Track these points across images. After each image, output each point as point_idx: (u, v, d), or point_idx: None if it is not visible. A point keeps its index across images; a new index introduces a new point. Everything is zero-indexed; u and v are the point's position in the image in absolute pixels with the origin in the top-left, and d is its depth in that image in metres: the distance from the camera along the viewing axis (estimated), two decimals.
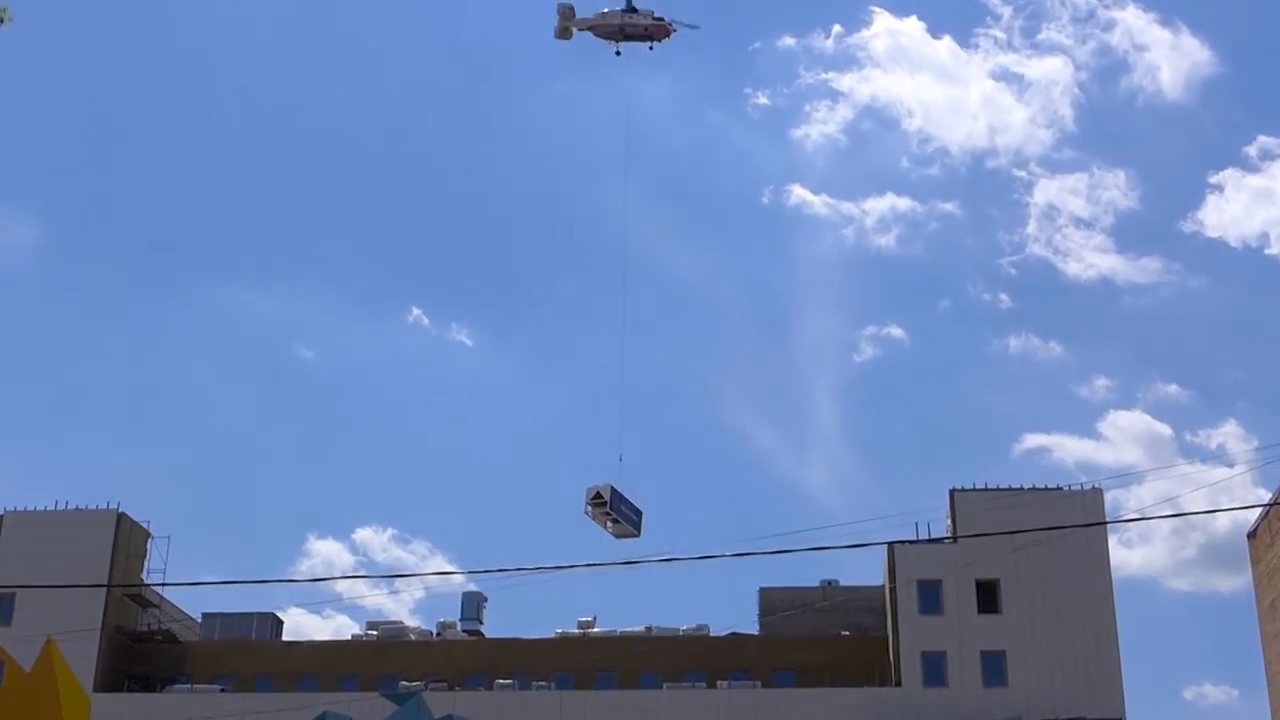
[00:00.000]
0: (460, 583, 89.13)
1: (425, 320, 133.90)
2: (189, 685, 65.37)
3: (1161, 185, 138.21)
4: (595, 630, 67.81)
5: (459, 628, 69.85)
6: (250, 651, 68.22)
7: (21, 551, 64.40)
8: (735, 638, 67.07)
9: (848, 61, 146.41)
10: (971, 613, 62.62)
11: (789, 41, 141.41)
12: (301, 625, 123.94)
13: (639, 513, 52.52)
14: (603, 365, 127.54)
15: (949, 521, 63.69)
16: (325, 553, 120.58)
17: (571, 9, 50.20)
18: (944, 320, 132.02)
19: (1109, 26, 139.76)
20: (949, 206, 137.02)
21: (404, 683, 64.67)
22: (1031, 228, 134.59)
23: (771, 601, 68.66)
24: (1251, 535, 61.68)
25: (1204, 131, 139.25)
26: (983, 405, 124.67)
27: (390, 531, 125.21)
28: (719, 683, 63.36)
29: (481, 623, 70.93)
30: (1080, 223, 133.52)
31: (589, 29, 49.28)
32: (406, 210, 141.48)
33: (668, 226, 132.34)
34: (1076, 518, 60.59)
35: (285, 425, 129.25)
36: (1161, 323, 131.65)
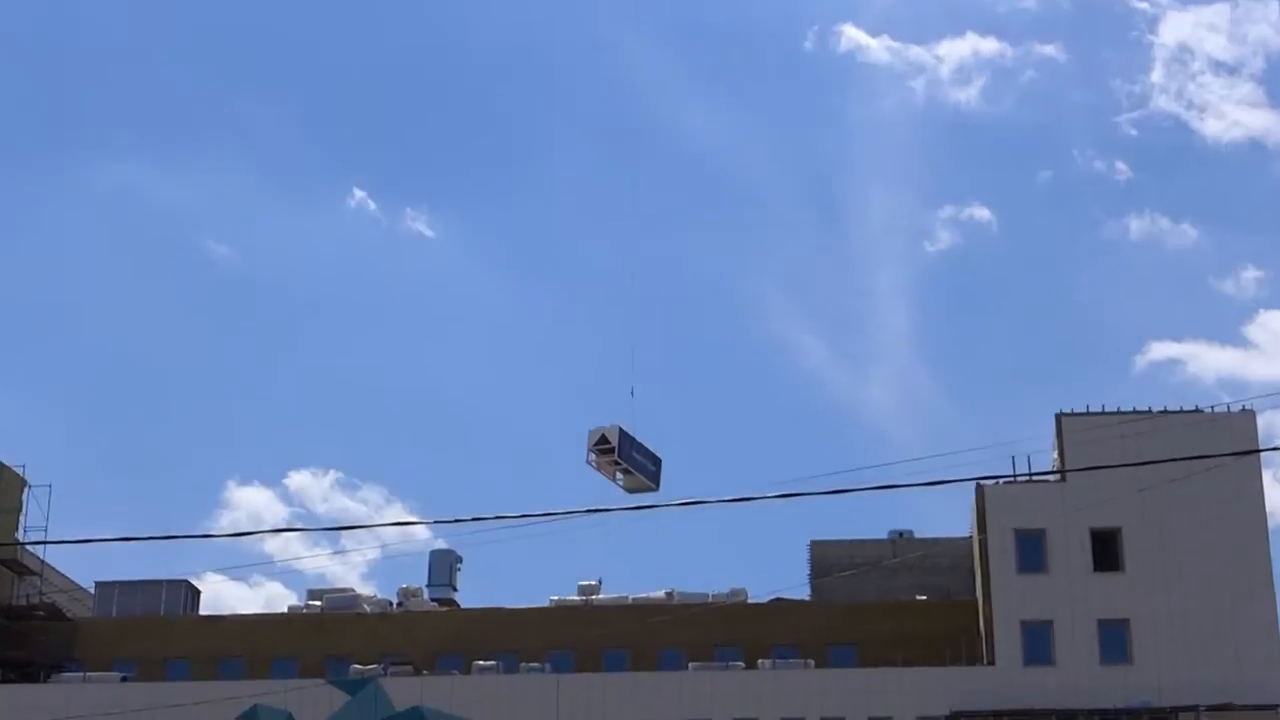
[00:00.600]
0: (426, 539, 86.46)
1: (371, 205, 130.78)
2: (81, 673, 64.74)
3: None
4: (601, 597, 66.99)
5: (426, 596, 69.52)
6: (159, 630, 67.39)
7: None
8: (780, 605, 66.43)
9: None
10: (1085, 570, 61.58)
11: None
12: (223, 596, 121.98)
13: (657, 460, 51.10)
14: (605, 264, 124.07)
15: (1055, 455, 62.48)
16: (250, 504, 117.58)
17: None
18: (1043, 197, 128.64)
19: None
20: (1049, 49, 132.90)
21: (357, 666, 63.82)
22: (1157, 75, 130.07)
23: (826, 559, 68.78)
24: None
25: None
26: (1095, 306, 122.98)
27: (333, 475, 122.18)
28: (760, 662, 62.70)
29: (455, 589, 70.90)
30: (1221, 68, 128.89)
31: None
32: (345, 66, 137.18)
33: (685, 80, 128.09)
34: (1221, 447, 59.11)
35: (195, 343, 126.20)
36: None
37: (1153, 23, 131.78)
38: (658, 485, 51.75)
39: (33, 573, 67.37)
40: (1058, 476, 62.11)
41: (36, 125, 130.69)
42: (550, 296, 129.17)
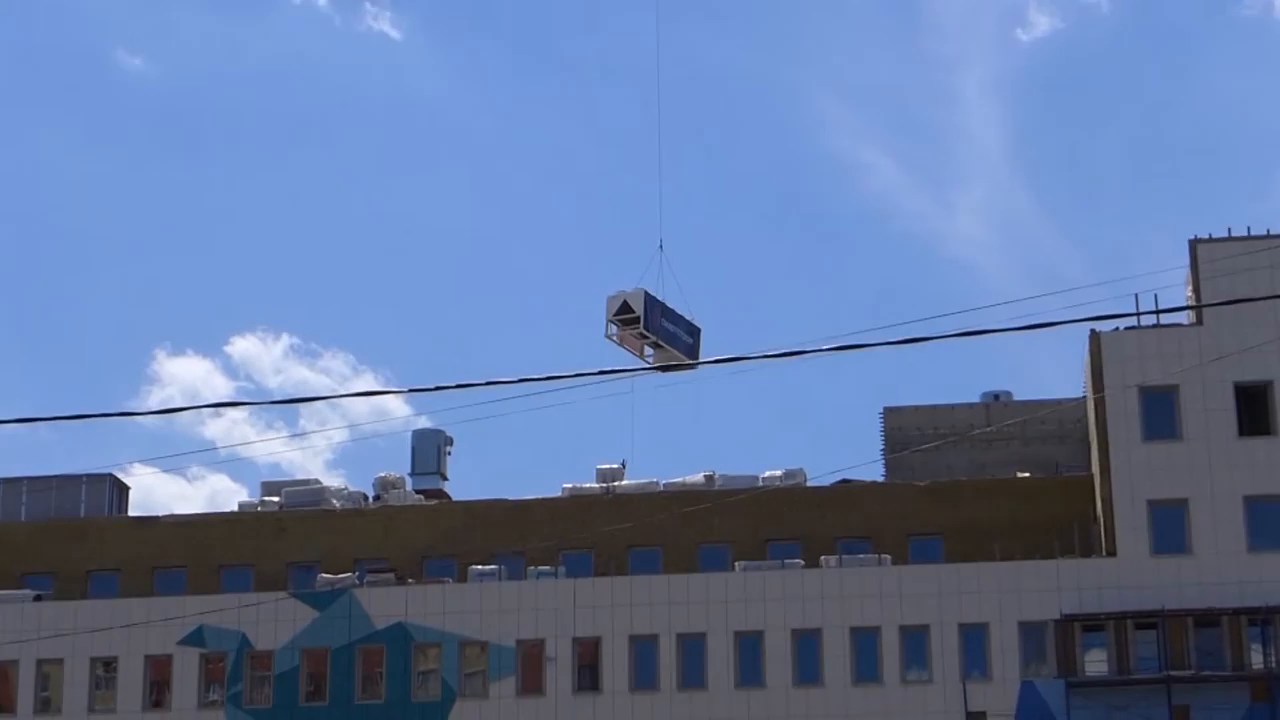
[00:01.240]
0: (406, 416, 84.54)
1: (320, 0, 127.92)
2: None
3: None
4: (626, 484, 67.40)
5: (409, 487, 70.09)
6: (79, 535, 67.92)
7: None
8: (847, 489, 66.63)
9: None
10: (1229, 435, 61.58)
11: None
12: (155, 493, 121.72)
13: (694, 330, 51.39)
14: (619, 67, 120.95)
15: (1189, 291, 62.75)
16: (185, 377, 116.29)
17: None
18: None
19: None
20: None
21: (325, 575, 64.63)
22: None
23: (903, 428, 69.26)
24: None
25: None
26: (1234, 105, 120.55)
27: (286, 340, 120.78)
28: (823, 558, 62.98)
29: (444, 478, 72.02)
30: None
31: None
32: None
33: None
34: None
35: (110, 180, 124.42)
36: None
37: None
38: (696, 361, 51.61)
39: None
40: (1193, 318, 61.95)
41: None
42: (550, 111, 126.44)
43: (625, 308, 48.57)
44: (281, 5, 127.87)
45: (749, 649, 61.12)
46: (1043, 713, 59.20)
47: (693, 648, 61.18)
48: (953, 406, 69.87)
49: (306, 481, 69.94)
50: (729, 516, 64.72)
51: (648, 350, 52.68)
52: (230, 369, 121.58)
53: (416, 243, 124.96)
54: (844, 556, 62.73)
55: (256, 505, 68.55)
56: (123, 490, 70.79)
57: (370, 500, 68.86)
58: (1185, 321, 62.25)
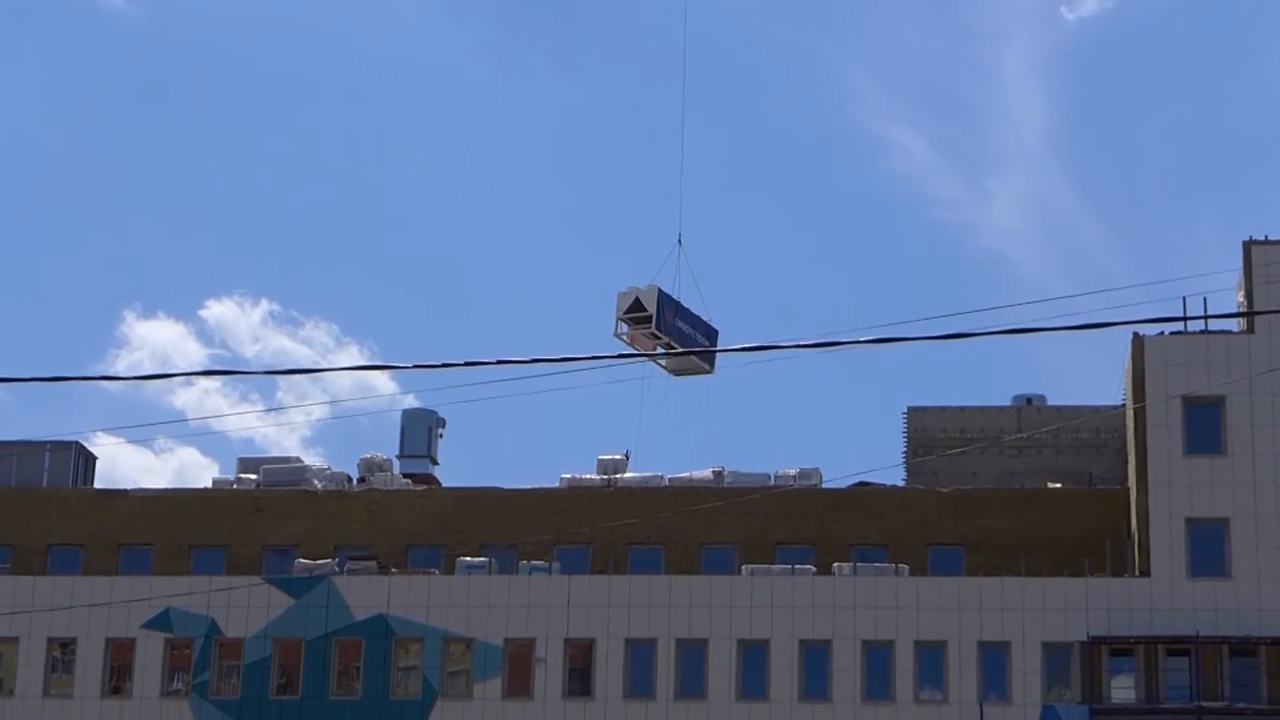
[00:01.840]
0: (392, 393, 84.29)
1: None
2: None
3: None
4: (629, 476, 67.68)
5: (396, 470, 70.55)
6: (40, 506, 68.30)
7: None
8: (864, 492, 66.83)
9: None
10: (1277, 452, 61.69)
11: None
12: (119, 464, 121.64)
13: (711, 332, 51.94)
14: (637, 29, 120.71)
15: (1240, 296, 62.78)
16: (155, 342, 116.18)
17: None
18: None
19: None
20: None
21: (303, 561, 64.74)
22: None
23: (927, 430, 69.51)
24: None
25: None
26: None
27: (266, 306, 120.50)
28: (836, 565, 63.06)
29: (435, 462, 72.33)
30: None
31: None
32: None
33: None
34: None
35: (83, 129, 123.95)
36: None
37: None
38: (712, 366, 51.55)
39: None
40: (1244, 325, 61.65)
41: None
42: (559, 74, 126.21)
43: (637, 305, 48.61)
44: None
45: (753, 659, 61.08)
46: None
47: (693, 655, 61.11)
48: (981, 409, 70.14)
49: (286, 459, 70.01)
50: (737, 516, 64.72)
51: (659, 351, 52.59)
52: (205, 335, 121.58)
53: (411, 210, 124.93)
54: (858, 564, 62.66)
55: (232, 482, 68.67)
56: (89, 460, 71.02)
57: (354, 482, 68.94)
58: (1235, 329, 62.01)
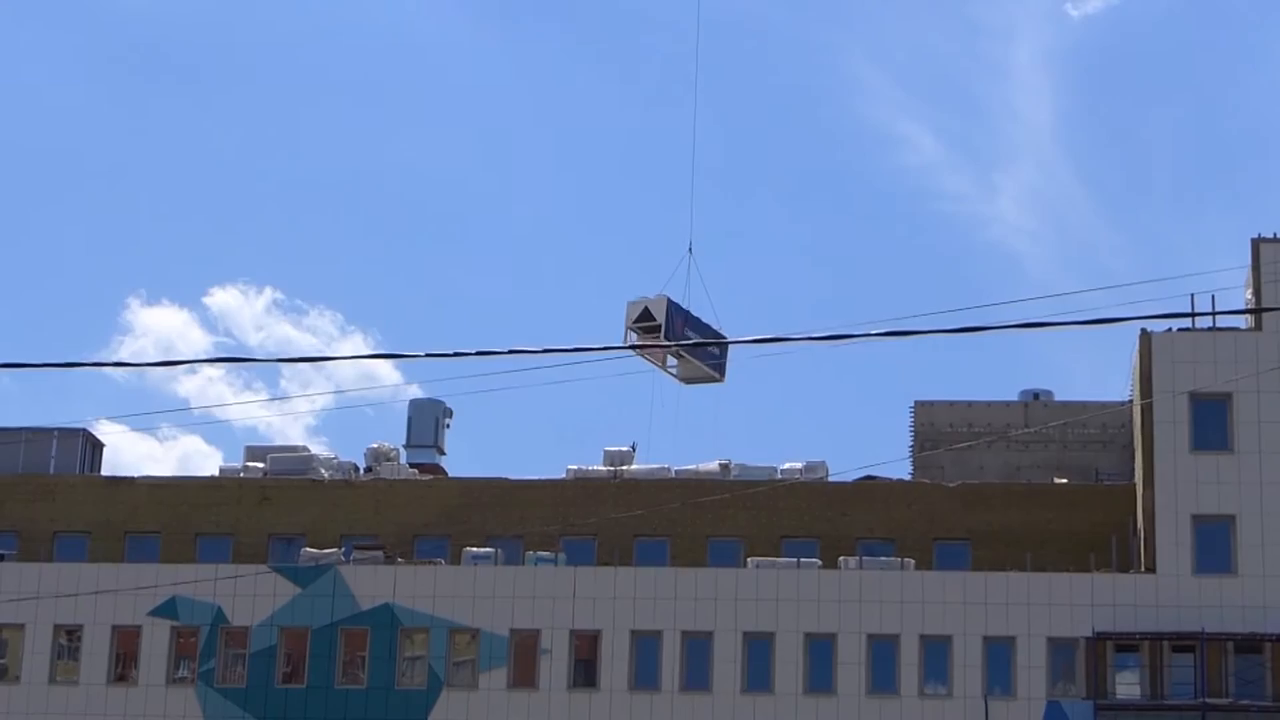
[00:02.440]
0: (396, 383, 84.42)
1: None
2: None
3: None
4: (634, 468, 67.66)
5: (403, 460, 70.47)
6: (47, 492, 68.16)
7: None
8: (870, 486, 66.77)
9: None
10: None
11: None
12: (125, 452, 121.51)
13: (723, 343, 51.70)
14: (645, 16, 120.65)
15: (1248, 293, 62.59)
16: (159, 329, 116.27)
17: None
18: None
19: None
20: None
21: (309, 550, 64.69)
22: None
23: (934, 425, 69.48)
24: None
25: None
26: None
27: (270, 294, 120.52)
28: (841, 559, 63.01)
29: (442, 453, 72.39)
30: None
31: None
32: None
33: None
34: None
35: (88, 116, 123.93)
36: None
37: None
38: (723, 375, 51.43)
39: None
40: (1251, 323, 61.58)
41: None
42: (568, 62, 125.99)
43: (646, 315, 48.55)
44: None
45: (758, 651, 61.03)
46: None
47: (698, 647, 61.06)
48: (989, 404, 69.83)
49: (294, 448, 69.98)
50: (744, 509, 64.72)
51: (670, 361, 52.53)
52: (208, 322, 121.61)
53: (417, 198, 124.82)
54: (864, 558, 62.70)
55: (239, 471, 68.60)
56: (96, 447, 70.90)
57: (361, 472, 68.93)
58: (1243, 326, 61.97)
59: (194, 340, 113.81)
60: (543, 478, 67.70)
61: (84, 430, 69.79)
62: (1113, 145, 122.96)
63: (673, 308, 49.15)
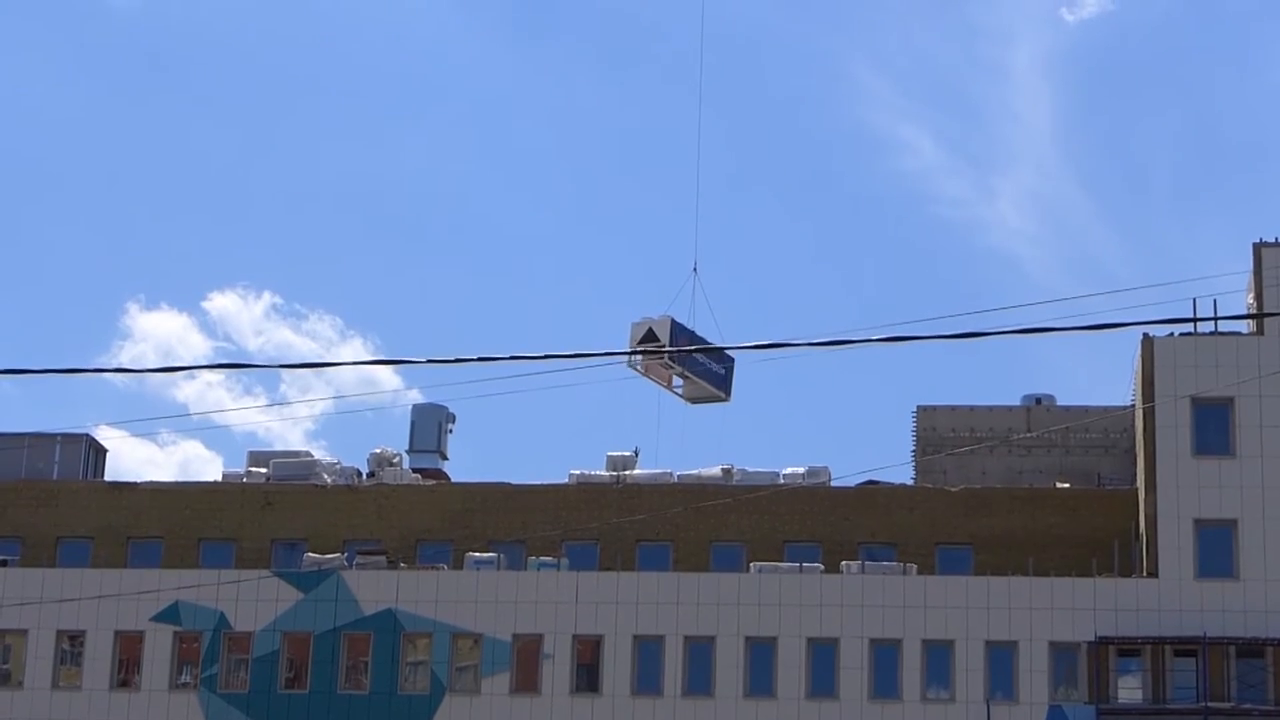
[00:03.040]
0: (397, 388, 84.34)
1: None
2: None
3: None
4: (637, 473, 67.65)
5: (406, 465, 70.53)
6: (50, 498, 68.12)
7: None
8: (873, 491, 66.77)
9: None
10: None
11: None
12: (125, 457, 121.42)
13: (728, 362, 51.83)
14: (644, 21, 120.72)
15: (1249, 297, 62.96)
16: (159, 334, 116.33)
17: None
18: None
19: None
20: None
21: (312, 555, 64.82)
22: None
23: (937, 430, 69.58)
24: None
25: None
26: None
27: (269, 299, 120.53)
28: (844, 564, 63.10)
29: (444, 458, 72.57)
30: None
31: None
32: None
33: None
34: None
35: (87, 120, 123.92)
36: None
37: None
38: (728, 394, 51.40)
39: None
40: (1253, 327, 61.55)
41: None
42: (568, 67, 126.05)
43: (650, 335, 48.64)
44: None
45: (760, 656, 61.02)
46: None
47: (700, 652, 61.09)
48: (990, 408, 69.80)
49: (296, 453, 69.93)
50: (746, 514, 64.60)
51: (676, 381, 52.58)
52: (208, 327, 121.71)
53: (417, 202, 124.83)
54: (866, 563, 62.70)
55: (242, 476, 68.48)
56: (99, 453, 70.90)
57: (364, 477, 68.85)
58: (1245, 330, 61.92)
59: (193, 345, 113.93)
60: (545, 482, 67.61)
61: (87, 436, 69.79)
62: (1112, 149, 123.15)
63: (676, 328, 49.18)
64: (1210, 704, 58.40)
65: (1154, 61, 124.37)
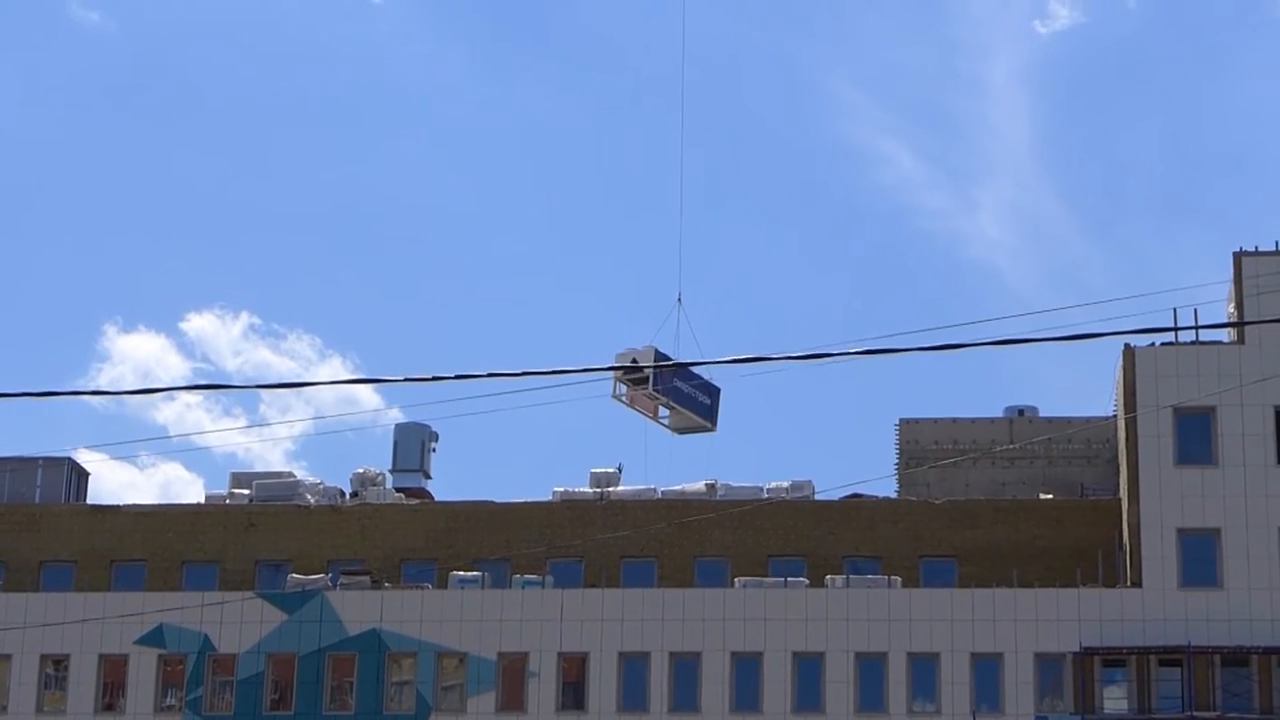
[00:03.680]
0: (378, 407, 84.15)
1: None
2: None
3: None
4: (621, 489, 67.50)
5: (389, 485, 70.40)
6: (33, 522, 68.00)
7: None
8: (857, 504, 66.78)
9: None
10: (1268, 463, 61.61)
11: None
12: (105, 480, 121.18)
13: (712, 390, 52.48)
14: (619, 39, 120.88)
15: (1230, 307, 62.86)
16: (137, 355, 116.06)
17: None
18: None
19: None
20: None
21: (296, 576, 64.74)
22: None
23: (919, 442, 69.46)
24: None
25: None
26: (1266, 110, 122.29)
27: (246, 319, 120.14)
28: (829, 578, 63.03)
29: (428, 477, 72.47)
30: None
31: None
32: None
33: None
34: None
35: (61, 141, 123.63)
36: None
37: None
38: (715, 424, 51.35)
39: None
40: (1234, 336, 61.71)
41: None
42: (541, 85, 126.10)
43: (633, 365, 48.31)
44: None
45: (746, 671, 61.05)
46: None
47: (686, 668, 61.14)
48: (973, 421, 69.76)
49: (279, 474, 69.77)
50: (730, 529, 64.52)
51: (662, 412, 52.52)
52: (186, 348, 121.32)
53: (392, 222, 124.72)
54: (851, 576, 62.67)
55: (225, 498, 68.32)
56: (81, 476, 70.74)
57: (347, 497, 68.66)
58: (1225, 339, 62.10)
59: (171, 366, 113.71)
60: (529, 500, 67.50)
61: (69, 459, 69.65)
62: (1090, 161, 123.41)
63: (660, 358, 49.11)
64: (1196, 713, 58.49)
65: (1130, 72, 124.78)
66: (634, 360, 49.93)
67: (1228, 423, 61.15)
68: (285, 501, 67.52)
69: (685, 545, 64.80)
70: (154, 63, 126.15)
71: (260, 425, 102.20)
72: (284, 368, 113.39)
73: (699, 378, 51.91)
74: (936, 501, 65.89)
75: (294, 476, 69.37)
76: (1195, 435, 61.47)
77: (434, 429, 72.10)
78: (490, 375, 25.02)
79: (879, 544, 64.83)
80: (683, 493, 66.54)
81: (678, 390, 51.78)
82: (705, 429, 53.47)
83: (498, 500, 67.40)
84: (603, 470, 67.72)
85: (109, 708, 62.32)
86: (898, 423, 70.20)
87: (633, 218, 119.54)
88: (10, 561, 66.42)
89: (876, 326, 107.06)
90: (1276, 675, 59.34)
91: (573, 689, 61.52)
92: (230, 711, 61.92)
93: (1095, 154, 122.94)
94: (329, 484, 69.12)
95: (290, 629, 62.07)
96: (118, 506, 69.01)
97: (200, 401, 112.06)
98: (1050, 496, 66.60)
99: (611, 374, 51.23)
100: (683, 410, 52.96)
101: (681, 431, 53.94)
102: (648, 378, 50.08)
